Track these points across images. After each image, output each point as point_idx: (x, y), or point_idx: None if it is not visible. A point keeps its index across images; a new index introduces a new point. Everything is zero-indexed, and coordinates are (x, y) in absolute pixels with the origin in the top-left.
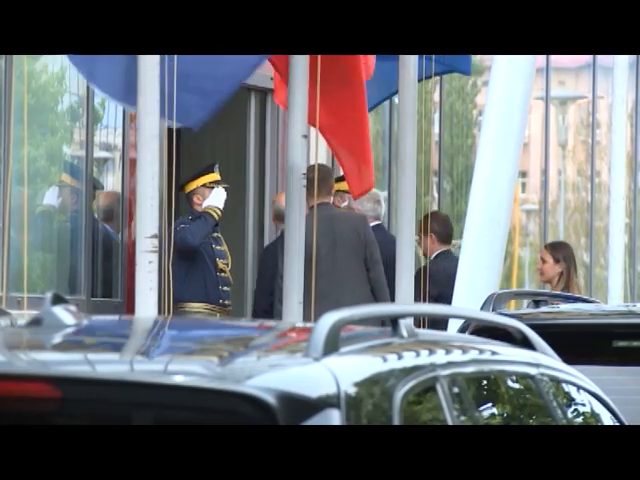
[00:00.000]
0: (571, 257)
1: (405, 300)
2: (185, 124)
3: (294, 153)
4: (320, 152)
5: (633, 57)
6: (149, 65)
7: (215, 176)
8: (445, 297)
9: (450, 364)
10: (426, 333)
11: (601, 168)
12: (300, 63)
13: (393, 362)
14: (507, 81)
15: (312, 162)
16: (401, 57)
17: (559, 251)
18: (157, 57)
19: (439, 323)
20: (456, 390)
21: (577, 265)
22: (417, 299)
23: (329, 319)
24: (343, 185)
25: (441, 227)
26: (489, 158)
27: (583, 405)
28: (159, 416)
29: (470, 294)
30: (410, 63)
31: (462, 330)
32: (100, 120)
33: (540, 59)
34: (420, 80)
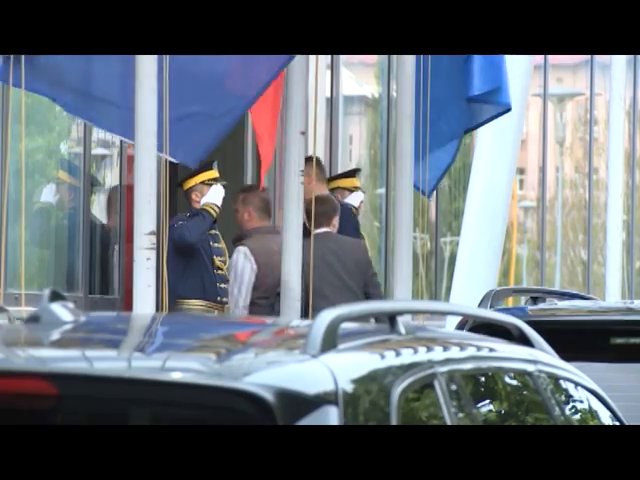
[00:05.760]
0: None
1: (402, 297)
2: (183, 161)
3: (291, 150)
4: (318, 149)
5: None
6: (146, 62)
7: (213, 173)
8: None
9: (448, 361)
10: (424, 330)
11: (599, 165)
12: (298, 63)
13: (391, 359)
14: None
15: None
16: (399, 55)
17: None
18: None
19: None
20: (454, 387)
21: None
22: None
23: (327, 316)
24: (343, 182)
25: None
26: (487, 155)
27: (581, 402)
28: (156, 413)
29: (468, 291)
30: (407, 61)
31: (460, 327)
32: None
33: (538, 56)
34: (467, 132)
